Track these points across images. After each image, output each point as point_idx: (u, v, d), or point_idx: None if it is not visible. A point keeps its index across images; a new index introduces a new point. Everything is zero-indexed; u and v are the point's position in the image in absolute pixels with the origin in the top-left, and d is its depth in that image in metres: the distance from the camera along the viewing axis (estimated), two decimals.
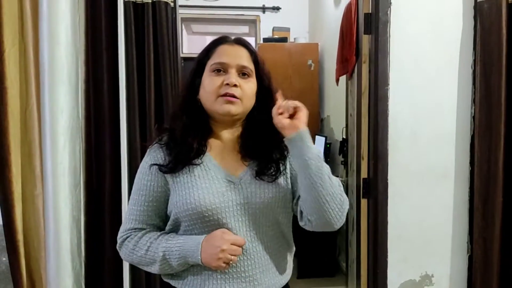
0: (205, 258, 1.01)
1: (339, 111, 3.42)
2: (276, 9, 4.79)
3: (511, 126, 2.00)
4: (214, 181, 1.06)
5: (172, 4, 2.07)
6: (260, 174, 1.08)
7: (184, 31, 5.30)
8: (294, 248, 1.19)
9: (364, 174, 2.19)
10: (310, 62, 4.11)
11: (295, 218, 1.14)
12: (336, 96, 3.57)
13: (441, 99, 2.11)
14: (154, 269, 1.08)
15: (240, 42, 1.14)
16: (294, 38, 4.37)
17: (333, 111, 3.90)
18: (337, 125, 3.61)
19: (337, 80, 3.09)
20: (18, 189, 1.93)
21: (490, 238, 2.04)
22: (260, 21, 4.80)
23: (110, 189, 2.03)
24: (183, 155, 1.07)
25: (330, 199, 1.00)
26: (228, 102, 1.06)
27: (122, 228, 1.12)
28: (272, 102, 1.11)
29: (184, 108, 1.12)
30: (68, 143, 1.94)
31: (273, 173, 1.09)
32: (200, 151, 1.09)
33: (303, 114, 1.02)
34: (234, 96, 1.06)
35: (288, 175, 1.13)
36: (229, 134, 1.14)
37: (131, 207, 1.12)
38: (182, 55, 2.40)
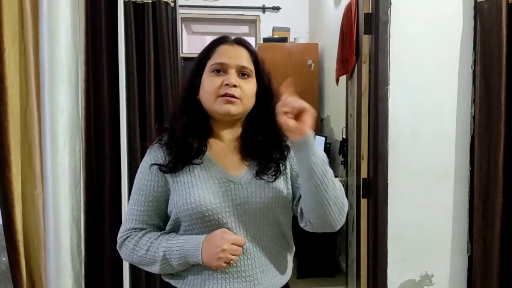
0: (206, 258, 1.01)
1: (339, 111, 3.42)
2: (276, 9, 4.79)
3: (511, 126, 2.00)
4: (214, 181, 1.06)
5: (172, 4, 2.07)
6: (260, 174, 1.08)
7: (184, 31, 5.30)
8: (294, 248, 1.19)
9: (364, 174, 2.19)
10: (310, 62, 4.11)
11: (294, 218, 1.14)
12: (336, 96, 3.57)
13: (441, 99, 2.11)
14: (154, 269, 1.08)
15: (240, 42, 1.14)
16: (294, 38, 4.37)
17: (333, 111, 3.90)
18: (337, 125, 3.61)
19: (337, 80, 3.09)
20: (18, 189, 1.93)
21: (490, 238, 2.04)
22: (260, 21, 4.80)
23: (110, 189, 2.03)
24: (183, 155, 1.07)
25: (333, 203, 1.00)
26: (228, 102, 1.06)
27: (122, 228, 1.12)
28: (272, 102, 1.12)
29: (184, 108, 1.12)
30: (68, 143, 1.94)
31: (273, 173, 1.09)
32: (200, 151, 1.09)
33: (309, 117, 0.96)
34: (233, 97, 1.06)
35: (288, 175, 1.13)
36: (229, 134, 1.14)
37: (131, 207, 1.12)
38: (182, 55, 2.40)
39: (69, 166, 1.94)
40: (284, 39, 4.29)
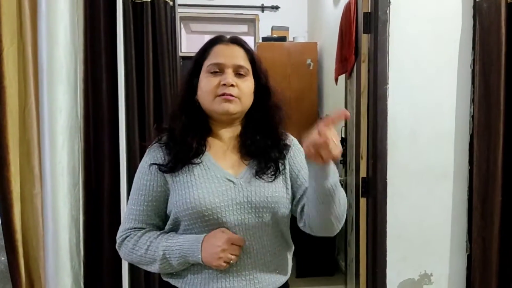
0: (206, 257, 1.01)
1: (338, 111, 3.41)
2: (275, 8, 4.78)
3: (510, 125, 2.01)
4: (214, 180, 1.06)
5: (171, 3, 2.07)
6: (259, 173, 1.08)
7: (183, 30, 5.30)
8: (293, 247, 1.19)
9: (363, 173, 2.19)
10: (309, 61, 4.11)
11: (293, 218, 1.15)
12: (335, 95, 3.57)
13: (440, 99, 2.12)
14: (154, 268, 1.08)
15: (236, 41, 1.14)
16: (293, 37, 4.37)
17: (332, 110, 3.90)
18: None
19: (336, 79, 3.08)
20: (17, 189, 1.93)
21: (489, 237, 2.04)
22: (259, 20, 4.80)
23: (109, 188, 2.03)
24: (183, 154, 1.07)
25: (336, 220, 1.04)
26: (226, 101, 1.06)
27: (121, 228, 1.12)
28: (270, 99, 1.13)
29: (183, 109, 1.12)
30: (67, 143, 1.94)
31: (273, 172, 1.09)
32: (200, 151, 1.09)
33: (337, 149, 0.88)
34: (231, 96, 1.06)
35: (288, 175, 1.13)
36: (228, 133, 1.14)
37: (130, 207, 1.11)
38: (181, 54, 2.40)
39: (68, 165, 1.94)
40: (283, 39, 4.29)
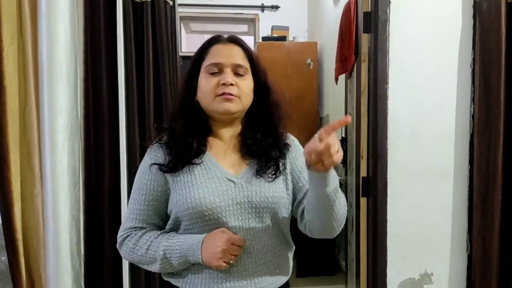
0: (206, 257, 1.01)
1: (338, 110, 3.42)
2: (275, 7, 4.78)
3: (510, 124, 2.01)
4: (214, 180, 1.06)
5: (171, 2, 2.07)
6: (260, 173, 1.08)
7: (183, 30, 5.29)
8: (293, 247, 1.19)
9: (363, 173, 2.19)
10: (309, 61, 4.11)
11: (293, 218, 1.15)
12: (335, 95, 3.57)
13: (441, 98, 2.12)
14: (154, 268, 1.08)
15: (234, 40, 1.14)
16: (293, 37, 4.37)
17: (332, 110, 3.90)
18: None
19: (336, 79, 3.08)
20: (17, 188, 1.93)
21: (489, 236, 2.04)
22: (259, 20, 4.80)
23: (109, 188, 2.03)
24: (183, 154, 1.07)
25: (337, 223, 1.05)
26: (226, 100, 1.06)
27: (122, 227, 1.12)
28: (269, 97, 1.13)
29: (183, 109, 1.12)
30: (67, 142, 1.94)
31: (273, 172, 1.09)
32: (200, 151, 1.09)
33: (337, 155, 0.88)
34: (231, 95, 1.06)
35: (289, 176, 1.13)
36: (229, 133, 1.14)
37: (131, 206, 1.11)
38: (181, 54, 2.39)
39: (68, 165, 1.94)
40: (283, 38, 4.29)
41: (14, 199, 1.91)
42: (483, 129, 2.04)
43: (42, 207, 1.95)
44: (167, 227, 1.11)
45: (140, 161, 1.14)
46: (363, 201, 2.21)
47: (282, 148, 1.14)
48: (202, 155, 1.09)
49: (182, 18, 4.74)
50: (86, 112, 2.03)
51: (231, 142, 1.14)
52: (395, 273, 2.13)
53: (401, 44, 2.07)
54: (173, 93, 2.03)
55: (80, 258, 2.03)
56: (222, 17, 4.84)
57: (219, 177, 1.07)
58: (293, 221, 1.15)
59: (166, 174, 1.07)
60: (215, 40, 1.13)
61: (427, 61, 2.10)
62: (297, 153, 1.16)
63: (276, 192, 1.08)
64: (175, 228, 1.10)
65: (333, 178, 0.96)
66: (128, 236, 1.10)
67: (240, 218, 1.05)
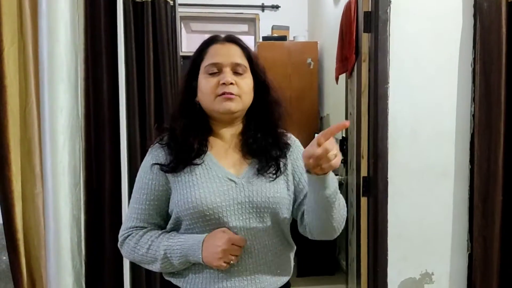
0: (206, 257, 1.01)
1: (338, 110, 3.42)
2: (275, 7, 4.78)
3: (511, 124, 2.00)
4: (216, 180, 1.06)
5: (171, 2, 2.07)
6: (261, 172, 1.08)
7: (183, 30, 5.29)
8: (294, 247, 1.19)
9: (364, 172, 2.19)
10: (309, 60, 4.11)
11: (293, 219, 1.15)
12: (335, 94, 3.57)
13: (441, 98, 2.11)
14: (155, 267, 1.08)
15: (231, 39, 1.14)
16: (294, 37, 4.37)
17: (332, 109, 3.90)
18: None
19: (337, 79, 3.08)
20: (18, 188, 1.93)
21: (490, 236, 2.04)
22: (259, 20, 4.80)
23: (110, 187, 2.03)
24: (184, 155, 1.07)
25: (337, 224, 1.06)
26: (227, 100, 1.06)
27: (123, 226, 1.13)
28: (269, 95, 1.13)
29: (183, 111, 1.12)
30: (68, 142, 1.94)
31: (274, 171, 1.09)
32: (201, 151, 1.09)
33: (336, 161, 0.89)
34: (232, 94, 1.06)
35: (290, 177, 1.13)
36: (229, 132, 1.14)
37: (132, 206, 1.12)
38: (181, 54, 2.39)
39: (69, 165, 1.94)
40: (283, 38, 4.28)
41: (15, 199, 1.92)
42: (483, 128, 2.04)
43: (43, 207, 1.95)
44: (168, 226, 1.11)
45: (141, 160, 1.15)
46: (363, 200, 2.21)
47: (283, 148, 1.13)
48: (203, 155, 1.08)
49: (182, 18, 4.74)
50: (86, 111, 2.03)
51: (232, 141, 1.14)
52: (395, 273, 2.13)
53: (401, 44, 2.07)
54: (174, 93, 2.03)
55: (81, 258, 2.03)
56: (223, 17, 4.84)
57: (220, 177, 1.07)
58: (293, 221, 1.15)
59: (167, 174, 1.08)
60: (212, 40, 1.13)
61: (427, 60, 2.09)
62: (298, 154, 1.15)
63: (277, 192, 1.08)
64: (176, 228, 1.10)
65: (332, 181, 0.96)
66: (129, 235, 1.10)
67: (241, 218, 1.05)
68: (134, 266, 2.03)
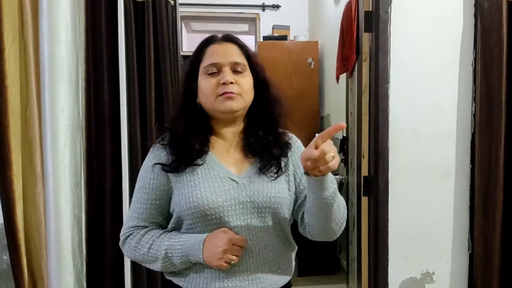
0: (207, 257, 1.02)
1: (339, 109, 3.42)
2: (276, 7, 4.78)
3: None
4: (217, 179, 1.06)
5: (172, 2, 2.07)
6: (262, 170, 1.08)
7: (184, 29, 5.29)
8: (296, 247, 1.19)
9: (364, 172, 2.19)
10: (310, 60, 4.11)
11: (293, 219, 1.15)
12: (336, 94, 3.57)
13: (442, 97, 2.11)
14: (156, 266, 1.08)
15: (229, 38, 1.14)
16: (294, 36, 4.37)
17: (333, 109, 3.90)
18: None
19: (337, 78, 3.08)
20: (19, 188, 1.93)
21: (491, 236, 2.04)
22: (260, 19, 4.80)
23: (111, 187, 2.03)
24: (186, 156, 1.07)
25: (336, 226, 1.06)
26: (228, 99, 1.06)
27: (124, 226, 1.13)
28: (269, 93, 1.13)
29: (184, 112, 1.12)
30: (69, 142, 1.94)
31: (275, 171, 1.09)
32: (203, 152, 1.09)
33: (334, 163, 0.89)
34: (232, 93, 1.06)
35: (291, 177, 1.13)
36: (231, 132, 1.14)
37: (134, 205, 1.12)
38: (182, 53, 2.40)
39: (70, 164, 1.95)
40: (284, 37, 4.28)
41: (16, 199, 1.92)
42: (484, 128, 2.04)
43: (44, 206, 1.95)
44: (169, 226, 1.11)
45: (142, 160, 1.15)
46: (364, 200, 2.21)
47: (284, 147, 1.14)
48: (204, 155, 1.09)
49: (183, 17, 4.74)
50: (87, 111, 2.03)
51: (234, 140, 1.14)
52: (396, 272, 2.13)
53: (402, 44, 2.07)
54: (175, 93, 2.03)
55: (82, 258, 2.04)
56: (223, 17, 4.84)
57: (222, 176, 1.07)
58: (294, 221, 1.16)
59: (168, 174, 1.08)
60: (210, 40, 1.13)
61: (428, 60, 2.09)
62: (299, 155, 1.15)
63: (278, 192, 1.08)
64: (177, 227, 1.10)
65: (331, 183, 0.96)
66: (130, 234, 1.10)
67: (242, 218, 1.05)
68: (135, 266, 2.03)
